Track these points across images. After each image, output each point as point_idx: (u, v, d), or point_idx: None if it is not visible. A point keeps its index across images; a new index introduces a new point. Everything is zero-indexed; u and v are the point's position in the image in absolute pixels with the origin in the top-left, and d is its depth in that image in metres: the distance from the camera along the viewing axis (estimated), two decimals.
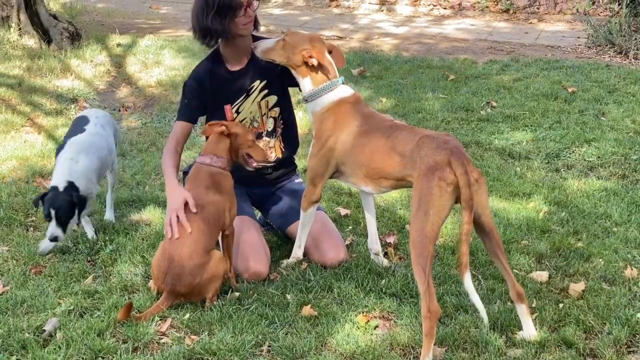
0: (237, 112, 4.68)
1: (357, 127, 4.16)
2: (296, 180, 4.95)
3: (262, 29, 4.78)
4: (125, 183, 5.85)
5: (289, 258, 4.58)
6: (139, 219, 5.18)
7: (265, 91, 4.67)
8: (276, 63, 4.39)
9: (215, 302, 4.08)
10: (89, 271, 4.48)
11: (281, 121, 4.77)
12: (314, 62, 4.25)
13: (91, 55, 9.41)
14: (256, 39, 4.60)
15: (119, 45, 10.02)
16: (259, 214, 4.99)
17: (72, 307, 4.03)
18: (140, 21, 12.44)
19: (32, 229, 5.07)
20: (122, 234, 4.91)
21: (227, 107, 4.67)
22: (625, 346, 3.77)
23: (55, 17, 10.14)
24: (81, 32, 10.09)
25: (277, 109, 4.74)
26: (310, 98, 4.32)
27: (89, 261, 4.61)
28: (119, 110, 7.85)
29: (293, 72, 4.37)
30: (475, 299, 3.65)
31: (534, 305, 4.07)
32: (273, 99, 4.70)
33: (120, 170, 6.09)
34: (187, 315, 3.98)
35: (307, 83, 4.32)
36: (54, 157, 6.25)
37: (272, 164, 4.75)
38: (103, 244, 4.76)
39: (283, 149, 4.81)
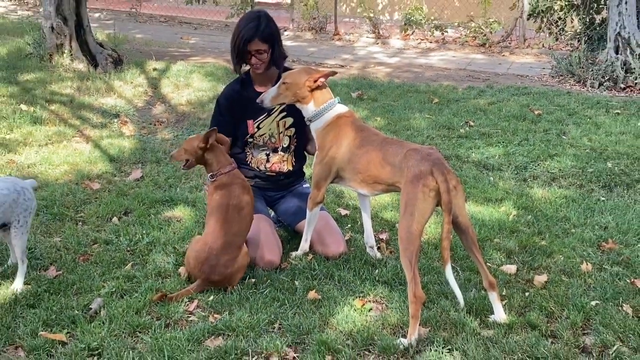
0: (258, 127, 4.71)
1: (354, 138, 4.19)
2: (304, 185, 4.98)
3: None
4: (159, 185, 5.86)
5: (297, 250, 4.60)
6: (171, 216, 5.20)
7: (284, 113, 4.70)
8: (286, 104, 4.42)
9: (235, 287, 4.11)
10: (128, 259, 4.50)
11: (295, 140, 4.80)
12: (322, 81, 4.28)
13: (131, 78, 9.42)
14: (285, 69, 4.66)
15: (154, 69, 10.04)
16: (272, 213, 5.01)
17: (114, 290, 4.06)
18: (173, 49, 12.46)
19: (80, 223, 5.08)
20: (156, 229, 4.93)
21: (250, 122, 4.69)
22: (581, 329, 3.78)
23: (101, 45, 10.17)
24: (123, 58, 10.10)
25: (292, 129, 4.76)
26: (314, 118, 4.34)
27: (128, 251, 4.63)
28: (155, 125, 7.88)
29: (298, 105, 4.38)
30: (454, 286, 3.67)
31: (504, 294, 4.09)
32: (290, 120, 4.73)
33: (156, 174, 6.13)
34: (211, 297, 4.00)
35: (310, 107, 4.33)
36: (99, 163, 6.33)
37: (284, 173, 4.80)
38: (141, 236, 4.78)
39: (294, 163, 4.84)
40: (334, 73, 4.45)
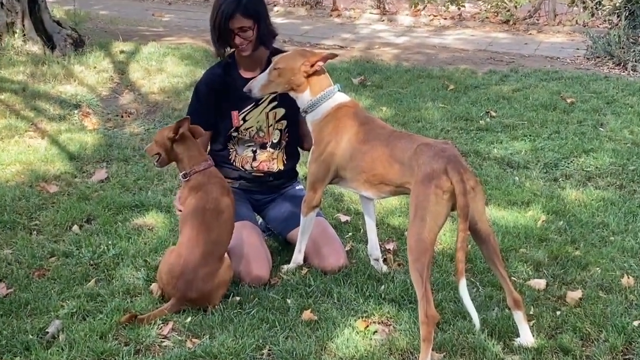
0: (244, 119, 4.71)
1: (357, 132, 4.19)
2: (297, 187, 4.98)
3: None
4: (127, 188, 5.87)
5: (289, 263, 4.60)
6: (142, 224, 5.20)
7: (275, 103, 4.70)
8: (278, 93, 4.42)
9: (216, 306, 4.11)
10: (91, 274, 4.49)
11: (287, 134, 4.80)
12: (319, 65, 4.29)
13: (94, 62, 9.43)
14: (275, 50, 4.67)
15: (122, 52, 10.05)
16: (260, 220, 5.01)
17: (74, 310, 4.04)
18: (143, 28, 12.47)
19: (35, 232, 5.09)
20: (124, 239, 4.93)
21: (235, 113, 4.70)
22: (622, 354, 3.79)
23: (59, 23, 10.18)
24: (84, 39, 10.12)
25: (284, 122, 4.77)
26: (310, 109, 4.34)
27: (91, 265, 4.63)
28: (122, 117, 7.88)
29: (292, 93, 4.38)
30: (469, 305, 3.66)
31: (531, 313, 4.09)
32: (281, 111, 4.73)
33: (123, 175, 6.13)
34: (189, 319, 3.99)
35: (306, 95, 4.33)
36: (56, 162, 6.33)
37: (273, 173, 4.81)
38: (106, 247, 4.78)
39: (285, 161, 4.84)
40: (334, 55, 4.46)
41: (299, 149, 4.95)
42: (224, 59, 4.72)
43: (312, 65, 4.29)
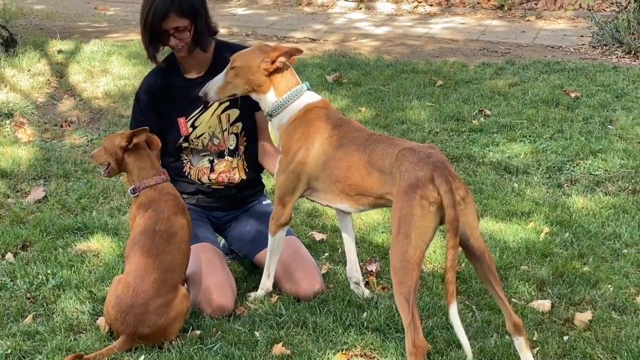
0: (193, 126, 4.70)
1: (330, 136, 4.19)
2: (264, 202, 4.98)
3: (224, 31, 4.81)
4: (69, 208, 5.84)
5: (257, 290, 4.59)
6: (86, 249, 5.18)
7: (227, 104, 4.69)
8: (238, 96, 4.42)
9: (173, 342, 4.09)
10: (28, 309, 4.46)
11: (244, 138, 4.79)
12: (282, 60, 4.28)
13: (28, 64, 9.39)
14: (223, 45, 4.69)
15: (60, 51, 10.02)
16: (222, 241, 5.00)
17: (9, 351, 4.01)
18: (84, 24, 12.46)
19: None
20: (66, 267, 4.90)
21: (182, 120, 4.68)
22: None
23: None
24: (17, 38, 10.08)
25: (239, 124, 4.76)
26: (275, 112, 4.33)
27: (28, 298, 4.60)
28: (62, 126, 7.84)
29: (254, 95, 4.38)
30: (460, 332, 3.67)
31: (535, 338, 4.10)
32: (235, 112, 4.72)
33: (64, 193, 6.10)
34: (142, 357, 3.97)
35: (270, 97, 4.33)
36: None
37: (235, 184, 4.80)
38: (45, 278, 4.74)
39: (247, 169, 4.83)
40: (299, 51, 4.45)
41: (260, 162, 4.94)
42: (159, 64, 4.71)
43: (273, 62, 4.29)
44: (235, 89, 4.34)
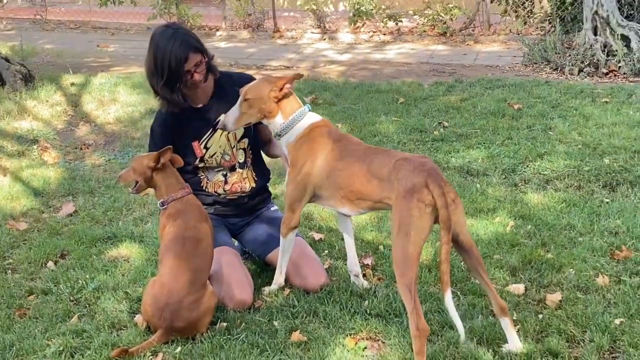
0: (206, 147, 4.62)
1: (332, 150, 4.14)
2: (272, 208, 4.91)
3: None
4: (98, 220, 5.72)
5: (270, 285, 4.52)
6: (117, 255, 5.07)
7: None
8: (252, 124, 4.36)
9: (204, 334, 4.00)
10: (73, 311, 4.35)
11: (250, 151, 4.73)
12: (288, 87, 4.22)
13: (46, 96, 9.22)
14: (223, 75, 4.62)
15: (72, 84, 9.85)
16: (236, 243, 4.91)
17: (61, 348, 3.91)
18: (90, 60, 12.26)
19: (10, 271, 4.92)
20: (102, 271, 4.79)
21: (195, 143, 4.61)
22: (608, 352, 3.79)
23: (7, 59, 9.92)
24: (34, 74, 9.90)
25: (245, 140, 4.70)
26: (284, 132, 4.27)
27: (72, 300, 4.48)
28: (81, 149, 7.70)
29: (265, 121, 4.30)
30: (455, 316, 3.63)
31: (515, 318, 4.06)
32: (240, 131, 4.64)
33: (92, 207, 5.98)
34: (179, 349, 3.88)
35: (278, 120, 4.26)
36: (22, 199, 6.16)
37: (247, 194, 4.72)
38: (84, 282, 4.63)
39: (255, 178, 4.76)
40: (300, 75, 4.42)
41: (264, 154, 4.87)
42: (179, 106, 4.51)
43: (280, 90, 4.23)
44: (250, 118, 4.26)
